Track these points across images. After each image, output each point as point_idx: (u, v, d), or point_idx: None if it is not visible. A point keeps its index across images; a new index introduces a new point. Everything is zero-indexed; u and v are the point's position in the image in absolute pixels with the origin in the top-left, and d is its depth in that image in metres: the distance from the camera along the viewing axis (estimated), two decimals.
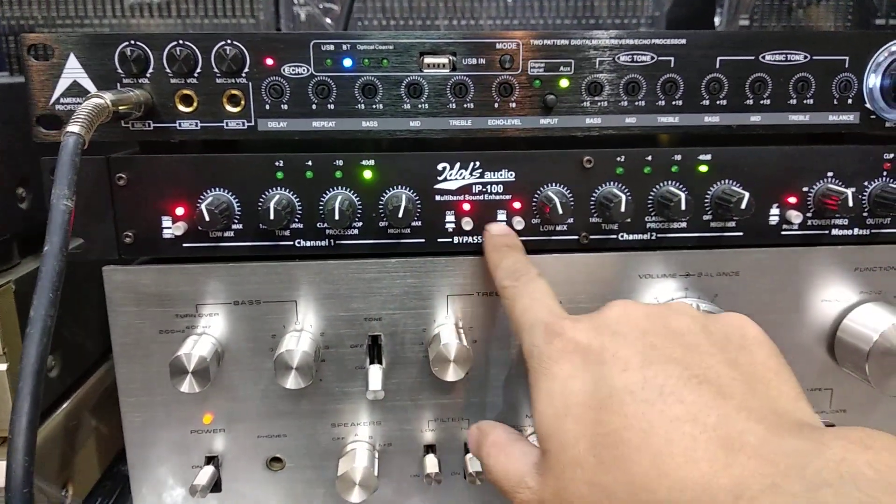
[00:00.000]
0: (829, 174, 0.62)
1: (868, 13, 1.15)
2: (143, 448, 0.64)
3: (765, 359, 0.42)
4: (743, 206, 0.59)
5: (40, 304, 0.40)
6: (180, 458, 0.64)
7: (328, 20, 1.19)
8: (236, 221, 0.59)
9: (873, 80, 0.61)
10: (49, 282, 0.41)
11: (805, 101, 0.61)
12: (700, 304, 0.62)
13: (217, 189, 0.59)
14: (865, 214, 0.63)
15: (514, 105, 0.59)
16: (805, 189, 0.62)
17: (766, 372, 0.41)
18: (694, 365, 0.40)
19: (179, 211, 0.59)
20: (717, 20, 1.16)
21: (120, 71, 0.56)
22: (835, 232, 0.64)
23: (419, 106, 0.58)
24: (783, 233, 0.63)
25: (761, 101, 0.60)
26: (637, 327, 0.44)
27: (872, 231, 0.64)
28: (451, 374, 0.59)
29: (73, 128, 0.46)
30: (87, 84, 0.56)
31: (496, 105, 0.59)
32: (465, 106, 0.59)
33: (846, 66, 0.60)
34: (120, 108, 0.53)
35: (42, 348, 0.40)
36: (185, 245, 0.60)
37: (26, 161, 0.64)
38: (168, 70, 0.56)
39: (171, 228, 0.59)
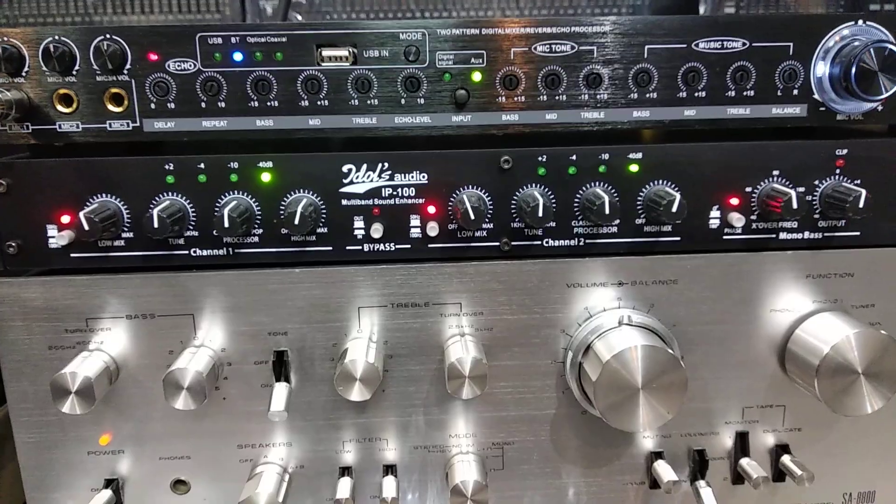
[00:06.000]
0: (775, 173, 0.57)
1: None
2: (39, 470, 0.60)
3: None
4: (674, 209, 0.54)
5: None
6: (78, 481, 0.60)
7: (297, 15, 1.14)
8: (126, 230, 0.55)
9: (822, 69, 0.55)
10: None
11: (745, 93, 0.55)
12: (633, 316, 0.57)
13: (104, 195, 0.55)
14: (817, 216, 0.58)
15: (422, 101, 0.54)
16: (748, 189, 0.57)
17: None
18: None
19: (65, 219, 0.55)
20: (701, 8, 1.10)
21: None
22: (783, 236, 0.58)
23: (318, 102, 0.54)
24: (725, 237, 0.58)
25: (696, 94, 0.55)
26: None
27: (825, 234, 0.58)
28: (356, 394, 0.54)
29: None
30: None
31: (403, 101, 0.54)
32: (368, 102, 0.54)
33: (790, 53, 0.55)
34: None
35: None
36: (72, 255, 0.56)
37: None
38: (44, 68, 0.52)
39: (56, 238, 0.55)
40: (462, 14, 1.10)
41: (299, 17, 1.15)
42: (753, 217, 0.57)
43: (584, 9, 1.10)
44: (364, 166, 0.55)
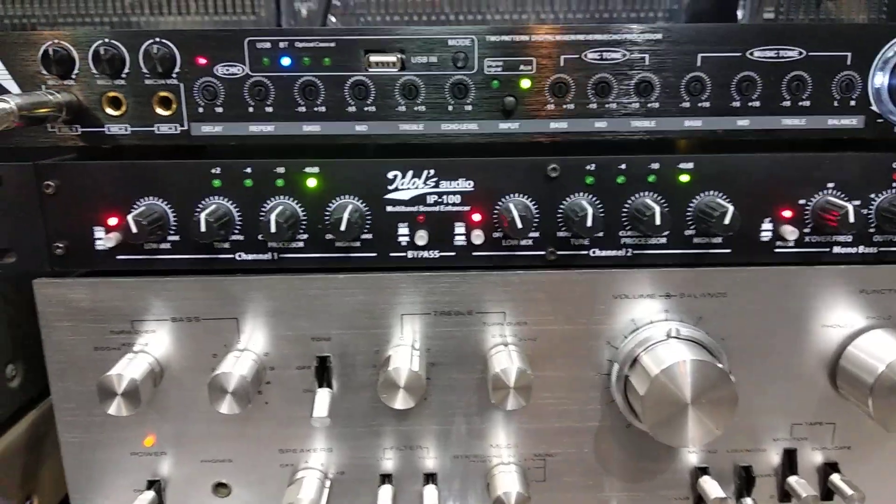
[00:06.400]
0: (830, 185, 0.55)
1: None
2: (83, 469, 0.60)
3: None
4: (727, 220, 0.52)
5: None
6: (121, 482, 0.60)
7: (332, 17, 1.14)
8: (172, 232, 0.55)
9: (880, 80, 0.53)
10: None
11: (800, 104, 0.54)
12: (681, 329, 0.56)
13: (151, 198, 0.55)
14: (872, 230, 0.56)
15: (469, 108, 0.54)
16: (801, 202, 0.56)
17: None
18: None
19: (112, 221, 0.55)
20: (739, 13, 1.08)
21: (44, 72, 0.52)
22: (836, 249, 0.57)
23: (365, 108, 0.53)
24: (777, 250, 0.57)
25: (750, 104, 0.54)
26: None
27: (881, 249, 0.57)
28: (400, 402, 0.54)
29: None
30: (11, 85, 0.53)
31: (450, 108, 0.54)
32: (415, 109, 0.53)
33: (848, 63, 0.53)
34: (35, 111, 0.49)
35: None
36: (118, 258, 0.56)
37: None
38: (94, 70, 0.52)
39: (103, 240, 0.55)
40: (496, 17, 1.09)
41: (334, 20, 1.15)
42: (806, 230, 0.56)
43: (620, 12, 1.08)
44: (409, 173, 0.55)
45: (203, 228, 0.52)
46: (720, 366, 0.53)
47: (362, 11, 1.12)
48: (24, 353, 0.66)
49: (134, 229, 0.52)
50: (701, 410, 0.52)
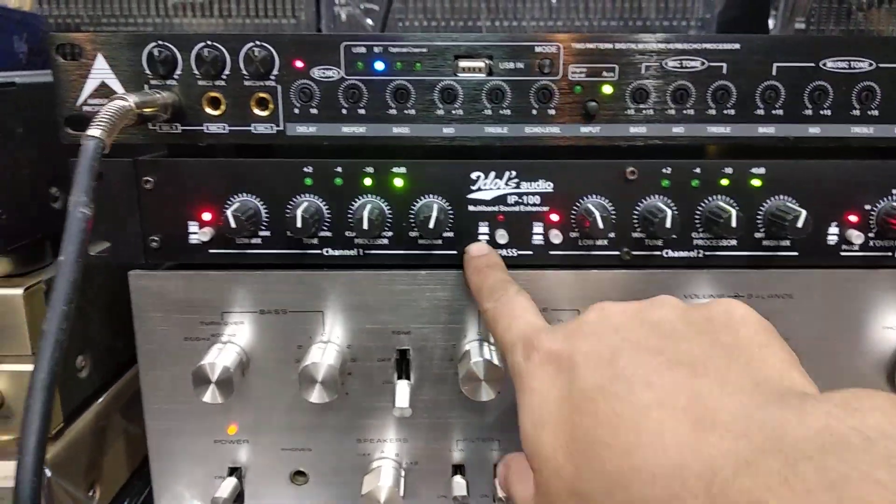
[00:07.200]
0: (895, 191, 0.58)
1: None
2: (166, 456, 0.63)
3: (751, 334, 0.38)
4: (799, 224, 0.55)
5: (53, 318, 0.38)
6: (203, 469, 0.63)
7: (369, 21, 1.16)
8: (264, 228, 0.58)
9: None
10: (63, 293, 0.39)
11: (869, 113, 0.56)
12: None
13: (244, 195, 0.57)
14: None
15: (553, 112, 0.56)
16: (868, 207, 0.58)
17: (749, 346, 0.37)
18: (668, 350, 0.37)
19: (206, 216, 0.58)
20: (770, 23, 1.10)
21: (148, 72, 0.55)
22: None
23: (453, 112, 0.56)
24: (842, 254, 0.59)
25: (821, 112, 0.56)
26: (611, 325, 0.41)
27: None
28: (482, 394, 0.56)
29: (93, 131, 0.45)
30: (115, 85, 0.55)
31: (534, 112, 0.56)
32: (501, 112, 0.56)
33: None
34: (145, 110, 0.51)
35: (53, 364, 0.38)
36: (211, 251, 0.58)
37: (60, 160, 0.63)
38: (196, 71, 0.55)
39: (198, 234, 0.57)
40: (532, 23, 1.10)
41: (370, 22, 1.17)
42: (871, 235, 0.58)
43: (653, 21, 1.10)
44: (492, 174, 0.57)
45: (299, 224, 0.55)
46: None
47: (401, 17, 1.14)
48: (92, 344, 0.68)
49: (233, 224, 0.55)
50: None
